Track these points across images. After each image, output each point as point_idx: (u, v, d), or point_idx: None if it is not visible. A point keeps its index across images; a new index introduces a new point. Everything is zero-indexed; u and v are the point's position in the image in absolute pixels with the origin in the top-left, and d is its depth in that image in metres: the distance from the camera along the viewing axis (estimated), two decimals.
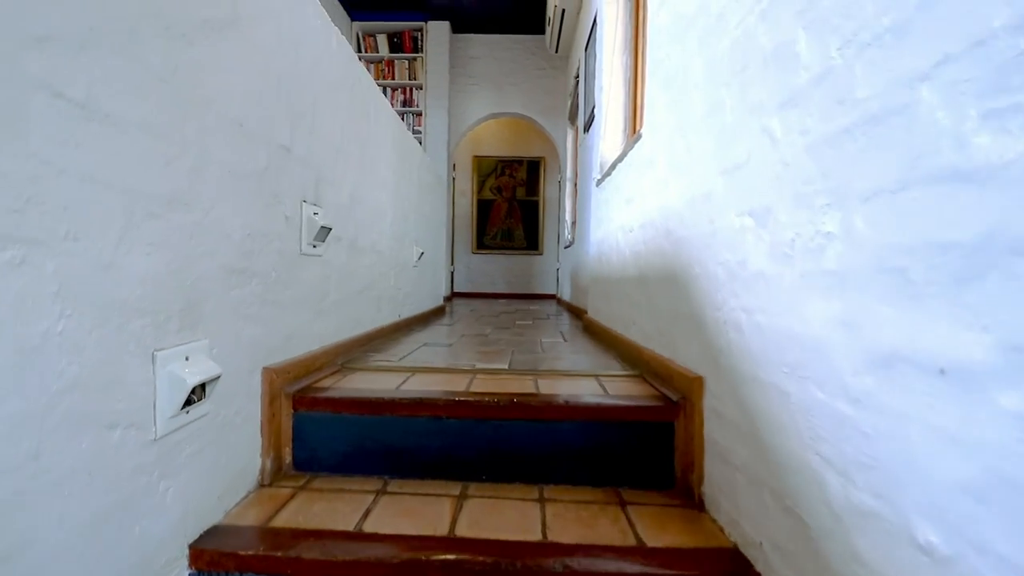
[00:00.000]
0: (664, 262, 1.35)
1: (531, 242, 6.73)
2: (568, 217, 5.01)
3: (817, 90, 0.68)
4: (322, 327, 1.38)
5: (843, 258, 0.61)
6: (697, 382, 1.05)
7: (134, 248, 0.69)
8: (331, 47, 1.40)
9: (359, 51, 5.26)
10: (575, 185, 4.84)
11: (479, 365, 1.50)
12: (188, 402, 0.79)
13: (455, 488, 1.07)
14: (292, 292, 1.19)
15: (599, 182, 2.52)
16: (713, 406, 0.99)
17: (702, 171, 1.09)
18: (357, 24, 5.21)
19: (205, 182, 0.84)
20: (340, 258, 1.51)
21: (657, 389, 1.23)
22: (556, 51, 5.13)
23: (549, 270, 6.71)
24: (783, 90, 0.76)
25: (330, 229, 1.31)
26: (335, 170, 1.45)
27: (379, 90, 1.90)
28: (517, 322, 2.96)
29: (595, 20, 3.01)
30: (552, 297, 6.60)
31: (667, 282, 1.32)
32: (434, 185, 3.23)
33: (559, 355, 1.76)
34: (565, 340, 2.12)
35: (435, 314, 3.24)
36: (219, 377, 0.84)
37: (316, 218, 1.26)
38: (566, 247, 5.00)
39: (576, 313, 3.61)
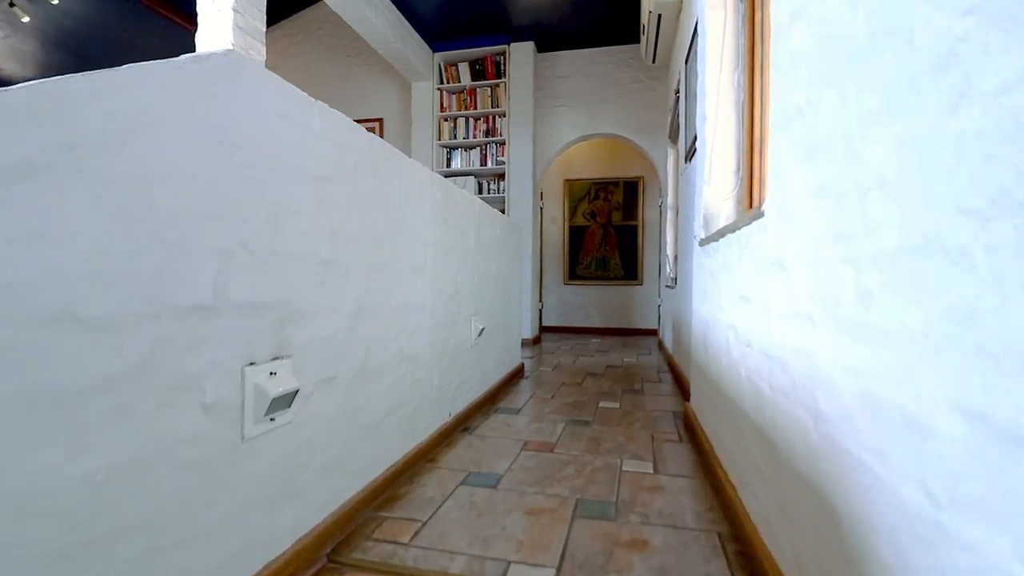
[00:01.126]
0: (807, 452, 0.80)
1: (629, 271, 6.08)
2: (669, 251, 4.35)
3: None
4: (296, 513, 1.02)
5: None
6: None
7: None
8: (310, 130, 1.04)
9: (441, 82, 5.06)
10: (677, 213, 4.18)
11: (514, 564, 1.04)
12: None
13: None
14: (227, 503, 0.83)
15: (702, 242, 1.94)
16: None
17: (903, 364, 0.54)
18: (439, 55, 5.02)
19: None
20: (331, 404, 1.13)
21: None
22: (653, 61, 4.52)
23: (650, 302, 6.00)
24: None
25: (295, 392, 0.94)
26: (323, 289, 1.08)
27: (406, 159, 1.53)
28: (601, 404, 2.44)
29: (696, 30, 2.43)
30: (654, 333, 5.90)
31: (812, 492, 0.77)
32: (504, 237, 2.82)
33: (640, 523, 1.24)
34: (655, 470, 1.58)
35: (506, 386, 2.82)
36: None
37: (270, 382, 0.90)
38: (667, 286, 4.34)
39: (679, 380, 2.99)
